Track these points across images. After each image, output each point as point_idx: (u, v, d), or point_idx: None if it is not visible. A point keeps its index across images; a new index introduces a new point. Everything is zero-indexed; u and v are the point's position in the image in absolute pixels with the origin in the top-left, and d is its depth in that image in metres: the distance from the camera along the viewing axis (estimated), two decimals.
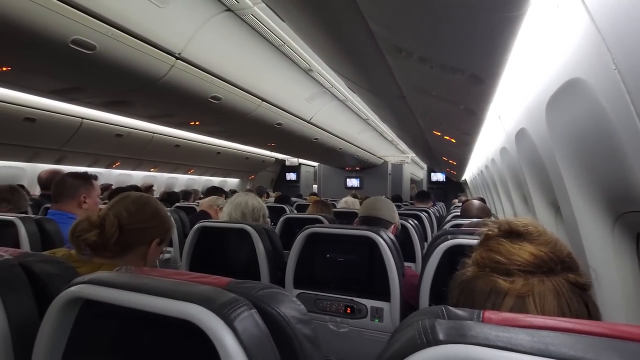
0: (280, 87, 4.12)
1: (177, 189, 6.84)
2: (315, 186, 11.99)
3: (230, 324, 0.45)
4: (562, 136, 1.13)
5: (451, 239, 1.22)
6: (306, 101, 4.79)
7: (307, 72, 4.10)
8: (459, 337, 0.36)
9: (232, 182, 10.35)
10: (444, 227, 1.99)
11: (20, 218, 1.63)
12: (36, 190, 4.44)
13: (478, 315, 0.42)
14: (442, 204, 6.79)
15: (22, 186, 2.80)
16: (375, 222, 1.65)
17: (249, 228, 1.52)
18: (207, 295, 0.48)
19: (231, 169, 9.51)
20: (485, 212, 2.30)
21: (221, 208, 2.73)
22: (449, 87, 1.43)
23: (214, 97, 3.47)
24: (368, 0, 0.99)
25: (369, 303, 1.40)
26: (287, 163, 11.12)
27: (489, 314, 0.42)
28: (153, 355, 0.54)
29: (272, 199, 5.65)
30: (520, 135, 1.50)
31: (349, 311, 1.42)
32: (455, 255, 1.20)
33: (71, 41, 2.16)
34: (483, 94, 1.34)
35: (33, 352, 0.58)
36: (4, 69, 2.50)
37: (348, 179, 10.82)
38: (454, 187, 10.92)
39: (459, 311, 0.44)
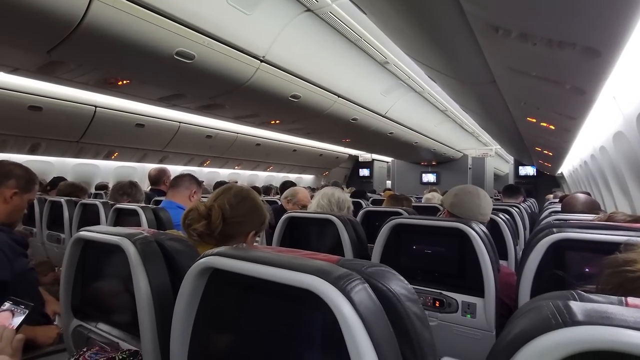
0: (355, 82, 4.14)
1: (257, 185, 7.33)
2: (388, 182, 11.77)
3: (347, 295, 0.48)
4: None
5: (557, 232, 1.10)
6: (381, 95, 4.73)
7: (383, 64, 4.05)
8: (603, 319, 0.34)
9: (307, 178, 10.71)
10: (544, 222, 1.80)
11: (141, 207, 1.94)
12: (145, 185, 5.16)
13: (620, 300, 0.38)
14: (534, 200, 6.11)
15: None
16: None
17: (334, 218, 1.57)
18: (323, 269, 0.51)
19: (306, 165, 9.85)
20: (593, 207, 2.03)
21: (289, 200, 2.84)
22: (554, 65, 1.28)
23: (293, 96, 3.63)
24: None
25: (460, 298, 1.34)
26: (360, 159, 11.10)
27: (634, 300, 0.38)
28: (270, 320, 0.60)
29: (347, 195, 5.70)
30: None
31: (437, 305, 1.38)
32: (562, 251, 1.09)
33: (175, 53, 2.46)
34: (597, 69, 1.17)
35: (174, 313, 0.69)
36: (125, 82, 2.95)
37: (424, 174, 10.40)
38: (547, 182, 9.73)
39: (593, 296, 0.41)
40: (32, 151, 4.87)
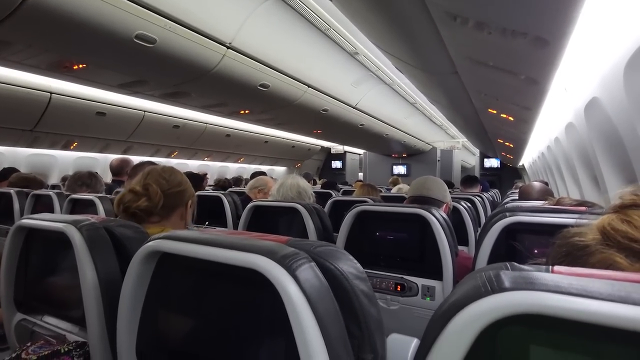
0: (326, 72, 4.12)
1: (228, 177, 7.18)
2: (360, 174, 11.92)
3: (292, 273, 0.47)
4: None
5: (510, 216, 1.16)
6: (352, 86, 4.74)
7: (353, 55, 4.05)
8: (527, 285, 0.35)
9: (279, 170, 10.63)
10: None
11: (99, 197, 1.85)
12: (107, 178, 4.92)
13: (547, 268, 0.40)
14: (497, 190, 6.39)
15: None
16: (426, 201, 1.61)
17: (299, 207, 1.56)
18: (270, 248, 0.51)
19: (278, 157, 9.76)
20: (546, 194, 2.14)
21: (259, 190, 2.81)
22: (508, 55, 1.33)
23: (262, 85, 3.56)
24: None
25: (420, 281, 1.38)
26: (332, 151, 11.14)
27: (559, 268, 0.40)
28: (220, 303, 0.59)
29: (318, 187, 5.72)
30: (591, 106, 1.36)
31: (399, 289, 1.41)
32: (514, 233, 1.15)
33: (135, 36, 2.34)
34: (548, 58, 1.23)
35: (120, 299, 0.66)
36: (81, 66, 2.78)
37: (395, 166, 10.62)
38: (510, 174, 10.22)
39: (524, 266, 0.43)
40: None
